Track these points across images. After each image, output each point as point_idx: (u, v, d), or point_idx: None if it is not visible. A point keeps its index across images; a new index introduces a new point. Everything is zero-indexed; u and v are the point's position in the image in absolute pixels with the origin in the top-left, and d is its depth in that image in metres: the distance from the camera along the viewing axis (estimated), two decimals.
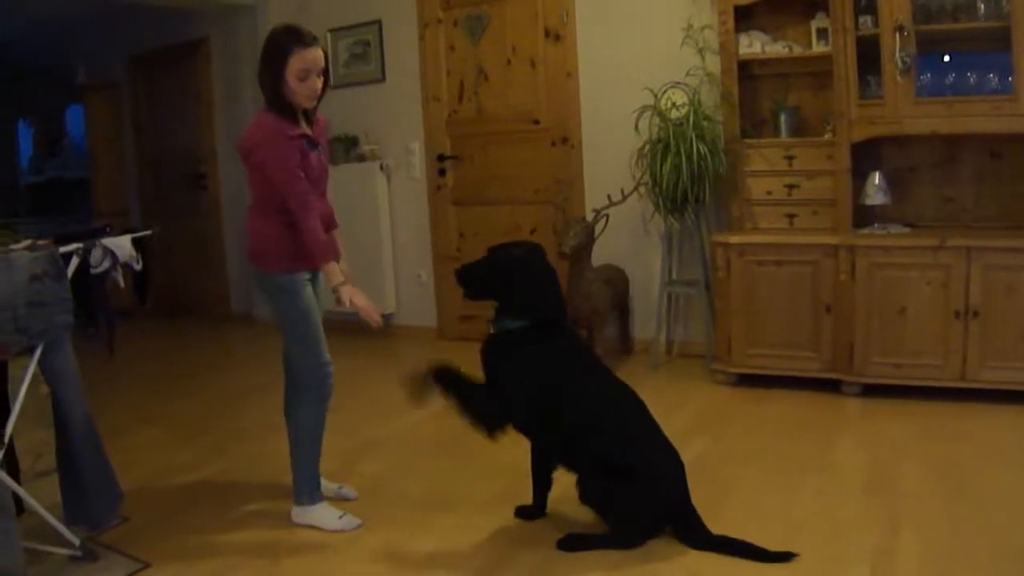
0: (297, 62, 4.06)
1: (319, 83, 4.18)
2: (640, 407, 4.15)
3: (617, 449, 3.97)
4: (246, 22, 9.28)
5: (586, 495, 4.01)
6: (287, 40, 4.09)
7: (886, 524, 4.09)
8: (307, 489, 4.46)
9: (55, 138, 12.76)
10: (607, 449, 3.97)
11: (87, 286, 4.44)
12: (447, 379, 4.08)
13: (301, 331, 4.31)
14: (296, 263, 4.26)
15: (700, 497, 4.19)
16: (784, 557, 3.79)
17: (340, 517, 4.41)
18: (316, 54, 4.11)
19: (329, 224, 4.55)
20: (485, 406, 4.05)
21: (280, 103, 4.15)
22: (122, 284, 4.68)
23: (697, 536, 3.96)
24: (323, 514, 4.44)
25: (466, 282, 4.20)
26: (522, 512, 4.32)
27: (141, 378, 7.80)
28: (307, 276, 4.34)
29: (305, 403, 4.42)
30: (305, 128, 4.27)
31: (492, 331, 4.16)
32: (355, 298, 4.21)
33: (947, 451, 4.99)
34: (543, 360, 4.04)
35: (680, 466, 4.08)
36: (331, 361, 4.39)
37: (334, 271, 4.20)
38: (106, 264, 4.46)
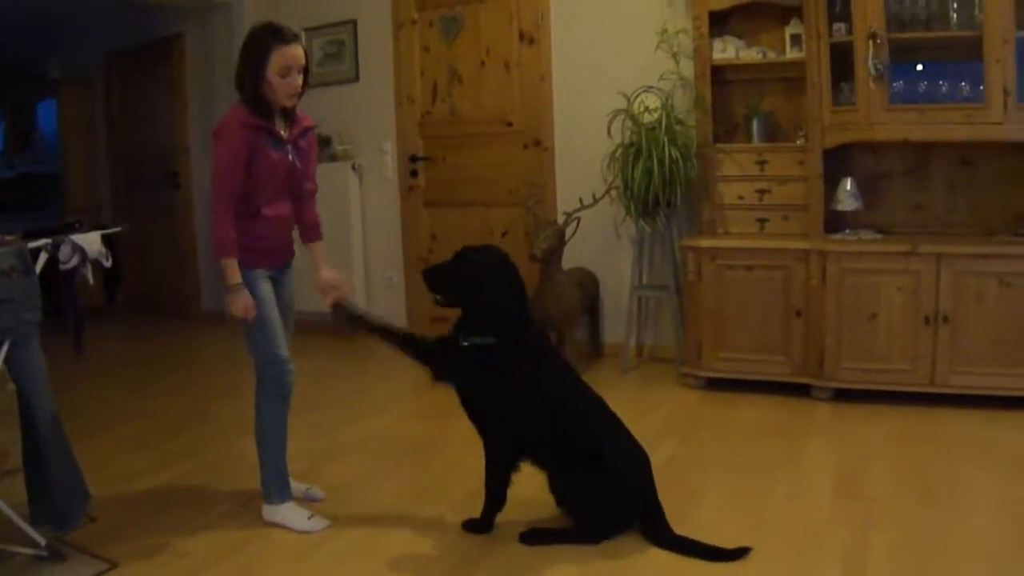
0: (278, 59, 4.06)
1: (299, 80, 4.17)
2: (607, 409, 4.18)
3: (588, 443, 4.00)
4: (222, 20, 9.23)
5: (557, 491, 4.05)
6: (269, 37, 4.09)
7: (856, 527, 4.10)
8: (275, 488, 4.44)
9: (26, 133, 12.64)
10: (578, 444, 3.99)
11: (56, 282, 4.41)
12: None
13: (255, 327, 4.28)
14: (251, 259, 4.24)
15: (670, 500, 4.20)
16: (739, 554, 3.82)
17: (309, 518, 4.37)
18: (297, 51, 4.12)
19: (313, 233, 4.63)
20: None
21: (257, 100, 4.14)
22: (91, 281, 4.65)
23: (662, 535, 3.98)
24: (291, 514, 4.41)
25: (432, 282, 4.17)
26: (470, 526, 4.25)
27: (111, 377, 7.74)
28: (265, 273, 4.32)
29: (264, 399, 4.40)
30: (279, 126, 4.26)
31: (463, 344, 4.10)
32: (240, 301, 4.18)
33: (916, 455, 5.02)
34: (517, 378, 4.03)
35: (647, 463, 4.12)
36: (289, 359, 4.36)
37: (232, 271, 4.16)
38: (75, 260, 4.43)
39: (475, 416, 4.16)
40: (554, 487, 4.06)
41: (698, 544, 3.88)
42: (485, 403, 4.09)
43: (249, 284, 4.22)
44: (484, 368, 4.04)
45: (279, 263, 4.45)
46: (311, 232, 4.65)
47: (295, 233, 4.56)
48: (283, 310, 4.48)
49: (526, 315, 4.18)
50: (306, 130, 4.45)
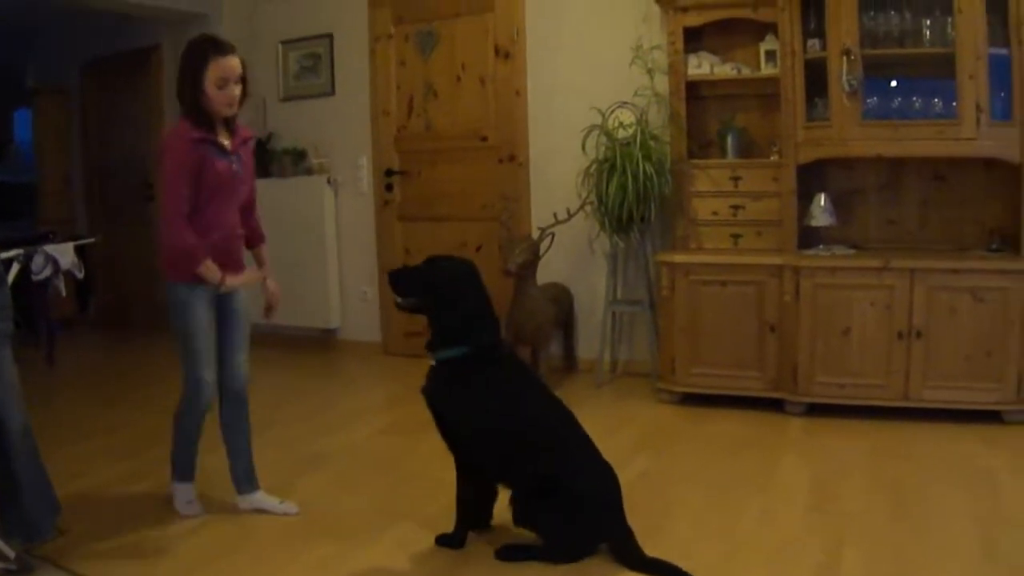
0: (215, 70, 4.14)
1: (237, 90, 4.25)
2: (576, 427, 4.13)
3: (553, 467, 3.95)
4: (198, 31, 9.15)
5: (520, 513, 4.01)
6: (205, 49, 4.17)
7: (829, 541, 4.10)
8: (177, 470, 4.72)
9: (1, 142, 12.59)
10: (543, 467, 3.95)
11: (28, 293, 4.40)
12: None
13: (183, 345, 4.43)
14: (191, 275, 4.31)
15: (644, 515, 4.20)
16: None
17: (188, 502, 4.69)
18: (233, 62, 4.19)
19: (255, 239, 4.74)
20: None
21: (197, 111, 4.21)
22: (64, 292, 4.65)
23: (631, 556, 3.93)
24: (179, 494, 4.72)
25: (399, 285, 4.18)
26: (443, 540, 4.21)
27: (83, 389, 7.68)
28: (209, 291, 4.38)
29: (182, 406, 4.59)
30: (222, 137, 4.32)
31: (432, 362, 4.12)
32: (236, 282, 4.45)
33: (890, 469, 5.03)
34: (488, 389, 4.02)
35: (616, 485, 4.07)
36: (208, 381, 4.48)
37: (211, 269, 4.29)
38: (48, 271, 4.43)
39: (446, 431, 4.13)
40: (515, 505, 4.02)
41: (669, 566, 3.83)
42: (457, 416, 4.06)
43: (188, 303, 4.33)
44: (456, 380, 4.04)
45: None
46: (255, 237, 4.76)
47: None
48: (234, 324, 4.57)
49: (496, 326, 4.17)
50: (246, 140, 4.53)
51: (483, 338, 4.07)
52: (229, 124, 4.37)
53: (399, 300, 4.18)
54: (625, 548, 3.95)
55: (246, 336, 4.67)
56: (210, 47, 4.16)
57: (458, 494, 4.17)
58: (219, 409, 4.69)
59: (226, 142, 4.33)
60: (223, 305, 4.50)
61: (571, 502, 3.92)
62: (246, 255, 4.68)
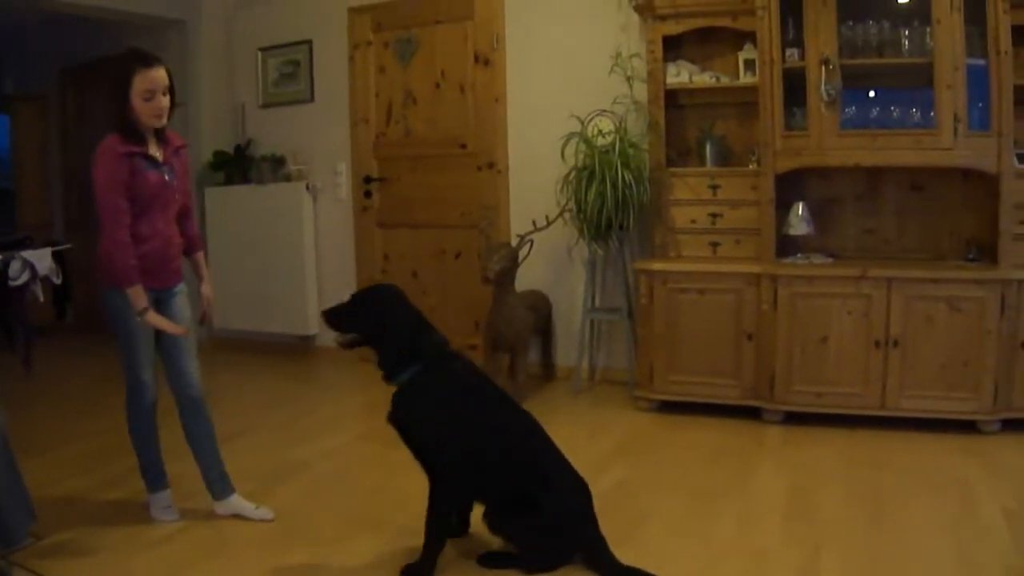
0: (141, 82, 4.17)
1: (165, 101, 4.26)
2: (542, 435, 4.12)
3: (526, 480, 3.96)
4: (176, 37, 9.16)
5: (495, 524, 4.00)
6: (130, 62, 4.21)
7: (807, 549, 4.12)
8: (147, 478, 4.76)
9: None
10: (516, 479, 3.97)
11: (5, 299, 4.39)
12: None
13: (122, 347, 4.49)
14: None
15: (620, 522, 4.21)
16: None
17: (164, 507, 4.73)
18: (159, 73, 4.21)
19: (192, 246, 4.76)
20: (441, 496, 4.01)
21: (125, 125, 4.24)
22: (41, 298, 4.64)
23: (605, 565, 3.92)
24: (156, 501, 4.76)
25: (333, 322, 4.15)
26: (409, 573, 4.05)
27: (61, 395, 7.63)
28: (146, 295, 4.36)
29: (128, 406, 4.63)
30: (152, 148, 4.34)
31: (393, 389, 4.09)
32: (156, 322, 4.35)
33: (867, 478, 5.04)
34: (452, 399, 4.01)
35: (587, 496, 4.06)
36: (147, 382, 4.53)
37: (138, 296, 4.29)
38: (25, 277, 4.42)
39: (420, 453, 4.07)
40: (490, 518, 4.02)
41: (644, 573, 3.82)
42: (428, 434, 4.01)
43: (125, 308, 4.35)
44: (419, 398, 4.02)
45: (161, 285, 4.51)
46: (192, 245, 4.78)
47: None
48: (175, 336, 4.55)
49: (441, 337, 4.17)
50: (178, 149, 4.55)
51: (433, 351, 4.07)
52: (160, 135, 4.40)
53: (340, 339, 4.16)
54: (599, 558, 3.94)
55: (192, 342, 4.67)
56: (134, 60, 4.19)
57: (429, 522, 4.00)
58: (180, 418, 4.72)
59: (157, 153, 4.36)
60: (163, 311, 4.51)
61: (545, 515, 3.91)
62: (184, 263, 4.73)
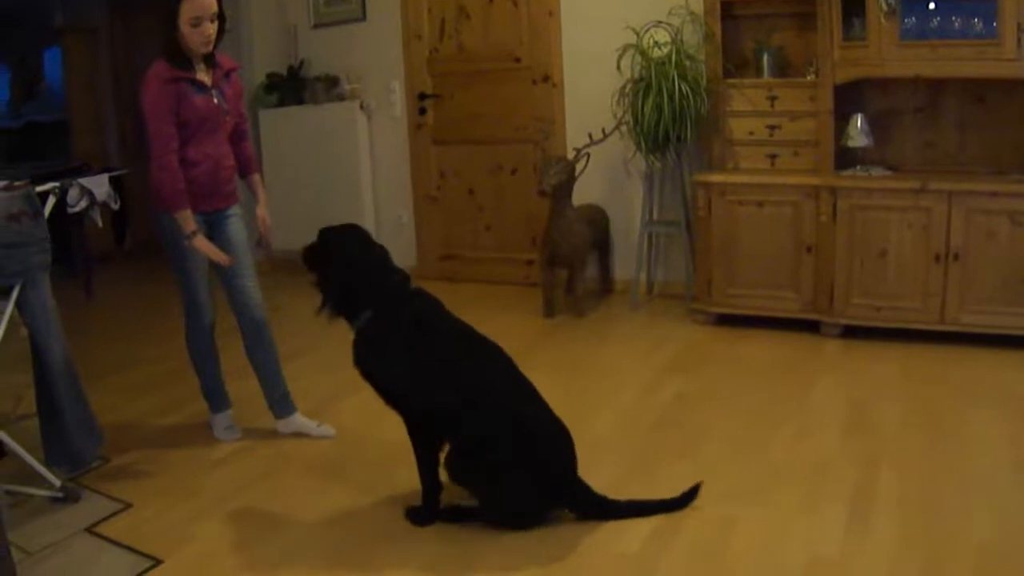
0: (188, 9, 4.18)
1: (212, 29, 4.28)
2: (513, 372, 3.87)
3: (490, 424, 3.68)
4: None
5: (454, 473, 3.78)
6: None
7: (864, 464, 4.13)
8: (212, 401, 4.94)
9: (32, 82, 12.57)
10: (480, 423, 3.69)
11: (64, 226, 4.43)
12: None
13: (176, 268, 4.57)
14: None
15: (678, 437, 4.25)
16: (690, 496, 3.77)
17: (226, 428, 4.91)
18: (207, 1, 4.21)
19: (246, 168, 4.80)
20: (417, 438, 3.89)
21: (172, 50, 4.28)
22: (100, 224, 4.67)
23: (597, 506, 3.75)
24: (218, 421, 4.93)
25: (307, 263, 4.05)
26: (413, 516, 3.90)
27: (121, 321, 7.76)
28: (198, 218, 4.43)
29: (188, 329, 4.77)
30: (200, 72, 4.37)
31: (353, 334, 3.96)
32: (203, 247, 4.40)
33: (926, 393, 5.03)
34: (406, 346, 3.81)
35: (565, 442, 3.79)
36: (204, 302, 4.67)
37: (186, 220, 4.34)
38: (83, 203, 4.44)
39: (385, 397, 3.92)
40: (450, 461, 3.77)
41: (644, 503, 3.73)
42: (387, 381, 3.88)
43: (176, 232, 4.39)
44: (373, 345, 3.89)
45: (213, 207, 4.56)
46: (247, 166, 4.82)
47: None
48: (231, 252, 4.59)
49: (399, 278, 4.07)
50: (229, 72, 4.58)
51: (385, 294, 3.95)
52: (208, 60, 4.42)
53: (311, 277, 4.06)
54: (587, 500, 3.76)
55: (249, 262, 4.72)
56: None
57: (417, 463, 3.90)
58: (242, 339, 4.80)
59: (205, 78, 4.39)
60: (217, 234, 4.58)
61: (508, 464, 3.66)
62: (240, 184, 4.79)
